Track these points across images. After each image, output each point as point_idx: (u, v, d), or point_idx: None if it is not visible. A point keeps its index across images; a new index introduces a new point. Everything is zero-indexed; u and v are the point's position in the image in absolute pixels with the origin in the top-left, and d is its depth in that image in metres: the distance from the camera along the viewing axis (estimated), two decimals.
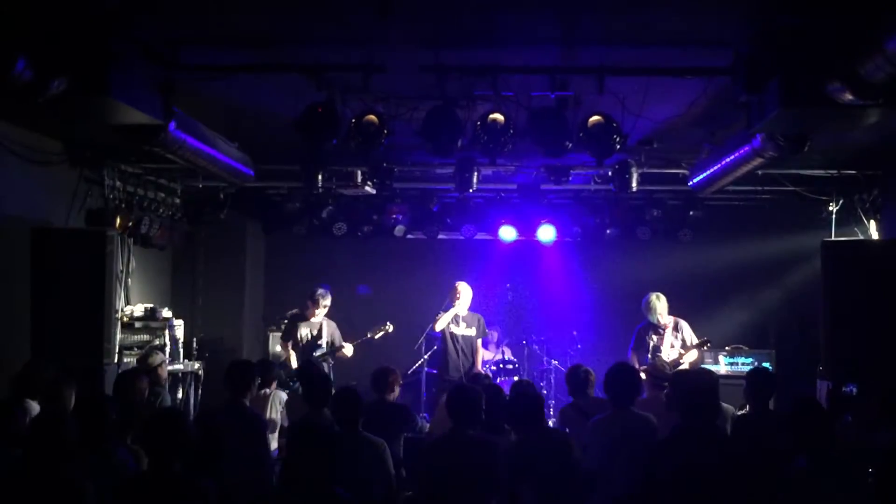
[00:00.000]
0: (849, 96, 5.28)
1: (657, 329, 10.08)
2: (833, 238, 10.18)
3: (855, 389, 8.18)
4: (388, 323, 10.85)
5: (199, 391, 10.97)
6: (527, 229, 12.06)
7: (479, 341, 10.92)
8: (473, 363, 10.71)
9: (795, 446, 5.08)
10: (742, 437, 6.37)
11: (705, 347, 10.25)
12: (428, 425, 8.66)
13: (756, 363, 10.64)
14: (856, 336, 8.30)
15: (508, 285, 12.07)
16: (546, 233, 11.84)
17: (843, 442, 6.12)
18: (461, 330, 10.72)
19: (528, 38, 6.21)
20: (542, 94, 6.84)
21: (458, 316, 10.73)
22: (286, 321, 11.01)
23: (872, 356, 8.11)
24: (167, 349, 10.24)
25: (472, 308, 10.91)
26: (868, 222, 10.15)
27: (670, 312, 10.15)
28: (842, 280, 8.60)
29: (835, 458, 5.04)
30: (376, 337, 10.79)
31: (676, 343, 9.98)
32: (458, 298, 10.69)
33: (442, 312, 10.76)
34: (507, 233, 12.00)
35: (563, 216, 11.96)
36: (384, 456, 6.02)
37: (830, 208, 10.51)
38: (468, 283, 10.90)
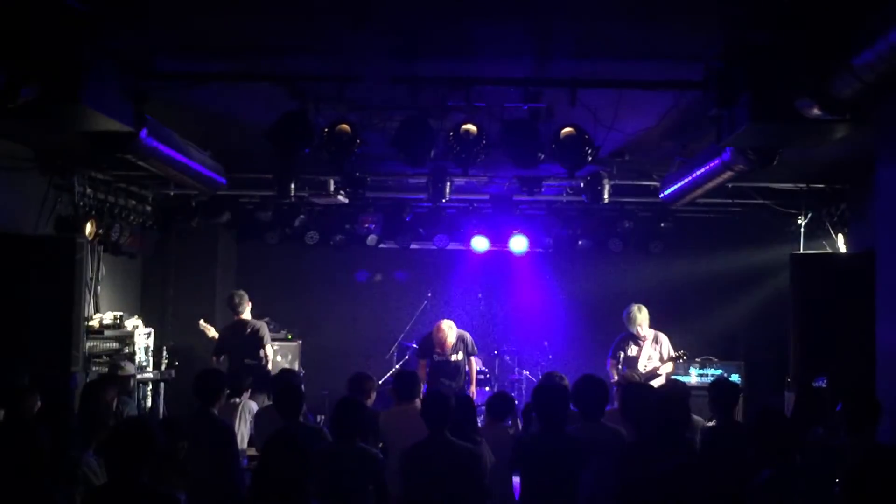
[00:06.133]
0: (817, 111, 5.37)
1: (636, 340, 10.13)
2: (802, 251, 10.29)
3: (824, 383, 8.27)
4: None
5: (168, 400, 10.88)
6: (499, 239, 12.06)
7: (471, 360, 10.30)
8: (457, 385, 9.99)
9: (760, 457, 5.12)
10: (708, 448, 6.40)
11: (681, 360, 10.31)
12: None
13: (726, 374, 10.70)
14: (823, 347, 8.40)
15: (480, 295, 12.06)
16: (518, 243, 11.85)
17: (808, 452, 6.17)
18: (446, 357, 10.16)
19: (502, 50, 6.23)
20: (515, 105, 6.88)
21: (442, 349, 10.10)
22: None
23: (839, 366, 8.20)
24: (136, 358, 10.15)
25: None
26: (836, 235, 10.25)
27: (651, 325, 10.22)
28: (810, 292, 8.71)
29: (800, 468, 5.09)
30: None
31: (654, 355, 10.04)
32: (444, 341, 10.06)
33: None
34: (480, 243, 11.98)
35: (536, 227, 11.99)
36: (380, 469, 5.96)
37: (799, 221, 10.59)
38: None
